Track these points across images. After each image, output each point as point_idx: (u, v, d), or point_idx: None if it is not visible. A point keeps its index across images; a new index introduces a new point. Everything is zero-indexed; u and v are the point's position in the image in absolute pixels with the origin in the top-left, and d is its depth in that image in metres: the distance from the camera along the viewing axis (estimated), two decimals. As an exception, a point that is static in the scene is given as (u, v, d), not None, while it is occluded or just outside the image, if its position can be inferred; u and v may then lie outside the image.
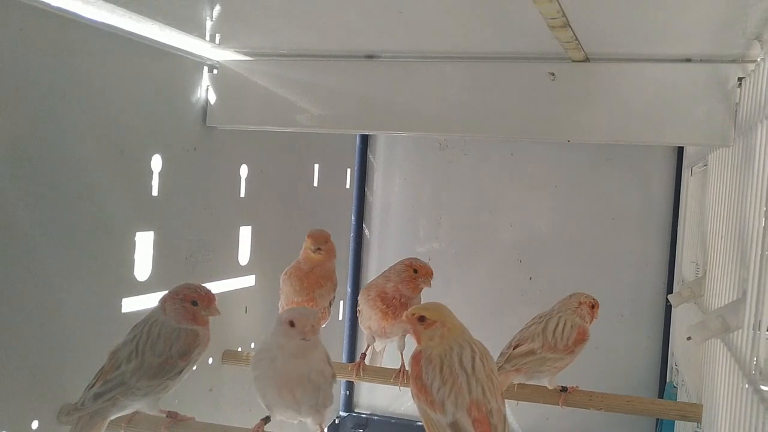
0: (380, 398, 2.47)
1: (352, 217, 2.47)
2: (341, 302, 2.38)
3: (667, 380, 2.14)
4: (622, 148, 2.27)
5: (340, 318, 2.38)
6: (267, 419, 1.16)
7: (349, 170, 2.41)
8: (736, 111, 1.29)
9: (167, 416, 1.17)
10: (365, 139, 2.48)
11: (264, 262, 1.80)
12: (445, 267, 2.39)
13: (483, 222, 2.39)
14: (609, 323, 2.24)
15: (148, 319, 1.15)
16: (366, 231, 2.51)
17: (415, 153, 2.47)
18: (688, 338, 1.05)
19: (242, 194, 1.72)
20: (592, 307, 1.43)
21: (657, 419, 2.09)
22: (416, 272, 1.51)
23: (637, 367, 2.27)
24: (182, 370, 1.13)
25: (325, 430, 1.20)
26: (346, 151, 2.41)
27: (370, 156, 2.49)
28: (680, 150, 2.21)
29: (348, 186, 2.42)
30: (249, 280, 1.77)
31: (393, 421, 2.41)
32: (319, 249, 1.55)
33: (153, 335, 1.12)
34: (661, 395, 2.15)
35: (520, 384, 1.46)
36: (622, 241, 2.28)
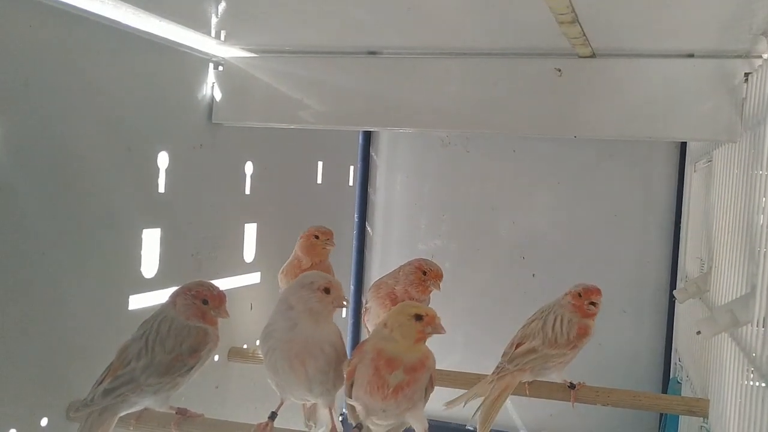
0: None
1: (355, 215, 2.47)
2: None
3: (671, 376, 2.15)
4: (625, 144, 2.28)
5: (344, 315, 2.38)
6: (273, 415, 1.16)
7: (352, 167, 2.41)
8: (742, 106, 1.29)
9: (177, 413, 1.16)
10: (368, 137, 2.48)
11: (269, 260, 1.80)
12: (448, 264, 2.39)
13: (485, 219, 2.39)
14: (612, 319, 2.24)
15: (158, 315, 1.14)
16: (369, 229, 2.51)
17: (418, 150, 2.47)
18: (698, 333, 1.05)
19: (247, 191, 1.72)
20: (579, 296, 1.38)
21: (661, 414, 2.09)
22: (425, 274, 1.50)
23: (641, 362, 2.27)
24: (192, 368, 1.12)
25: (335, 413, 1.20)
26: (348, 148, 2.41)
27: (372, 153, 2.49)
28: (683, 146, 2.21)
29: (351, 183, 2.41)
30: (254, 278, 1.77)
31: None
32: (328, 240, 1.57)
33: (162, 332, 1.11)
34: (664, 391, 2.15)
35: (531, 382, 1.45)
36: (624, 238, 2.28)
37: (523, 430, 2.35)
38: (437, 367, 1.54)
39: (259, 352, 1.17)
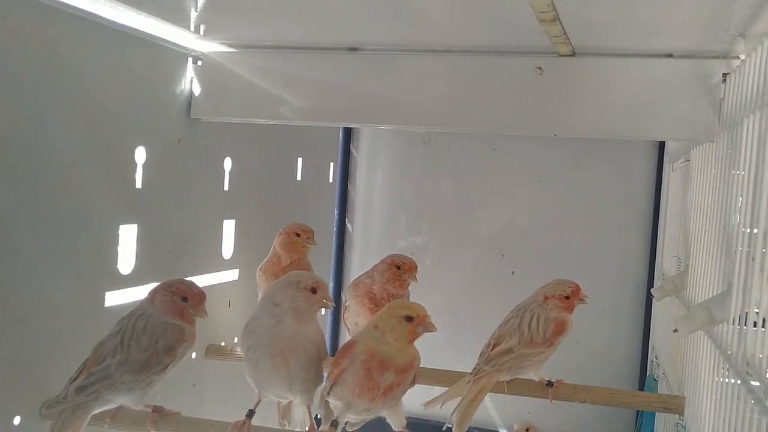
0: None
1: (335, 212, 2.46)
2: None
3: (648, 373, 2.16)
4: (604, 143, 2.29)
5: (323, 312, 2.37)
6: (251, 413, 1.15)
7: (332, 164, 2.40)
8: (720, 106, 1.30)
9: (153, 411, 1.15)
10: (348, 133, 2.47)
11: (247, 257, 1.79)
12: (428, 262, 2.39)
13: (466, 217, 2.40)
14: (590, 317, 2.25)
15: (135, 312, 1.13)
16: (348, 226, 2.50)
17: (398, 148, 2.47)
18: (675, 330, 1.06)
19: (226, 187, 1.71)
20: (567, 298, 1.38)
21: (637, 411, 2.11)
22: (399, 269, 1.50)
23: (618, 360, 2.29)
24: (167, 366, 1.11)
25: (311, 412, 1.19)
26: (329, 145, 2.40)
27: (353, 150, 2.49)
28: (661, 145, 2.23)
29: (331, 180, 2.41)
30: (232, 275, 1.76)
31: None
32: (309, 239, 1.56)
33: (138, 329, 1.10)
34: (641, 388, 2.17)
35: (509, 380, 1.45)
36: (603, 236, 2.29)
37: (502, 428, 2.36)
38: (417, 365, 1.54)
39: (238, 349, 1.16)
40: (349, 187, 2.49)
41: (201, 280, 1.60)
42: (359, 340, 1.10)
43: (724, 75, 1.30)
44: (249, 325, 1.15)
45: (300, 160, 2.11)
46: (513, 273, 2.35)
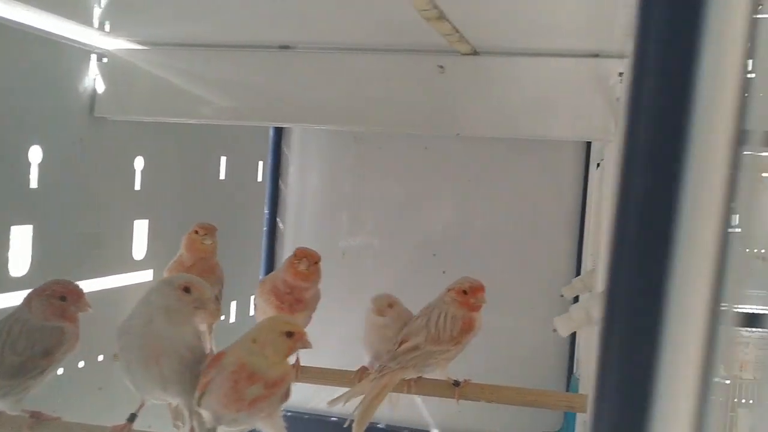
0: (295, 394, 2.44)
1: (266, 211, 2.43)
2: (252, 297, 2.34)
3: (574, 371, 2.18)
4: (535, 143, 2.29)
5: (252, 314, 2.34)
6: (133, 417, 1.13)
7: (261, 163, 2.37)
8: (617, 106, 1.31)
9: (30, 416, 1.12)
10: (279, 131, 2.44)
11: (164, 257, 1.75)
12: (361, 261, 2.38)
13: (398, 216, 2.39)
14: (520, 316, 2.26)
15: (11, 316, 1.10)
16: (280, 224, 2.47)
17: (331, 146, 2.45)
18: (554, 330, 1.06)
19: (137, 187, 1.68)
20: (464, 293, 1.36)
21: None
22: (295, 257, 1.47)
23: (548, 359, 2.30)
24: (45, 370, 1.08)
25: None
26: (257, 143, 2.36)
27: (284, 148, 2.46)
28: (589, 145, 2.24)
29: (260, 179, 2.37)
30: (146, 275, 1.73)
31: (306, 416, 2.39)
32: (206, 235, 1.52)
33: (14, 333, 1.07)
34: (568, 387, 2.18)
35: (416, 378, 1.45)
36: (533, 235, 2.30)
37: (433, 428, 2.35)
38: (344, 366, 1.53)
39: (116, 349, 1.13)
40: (281, 186, 2.46)
41: (108, 281, 1.57)
42: (229, 351, 1.08)
43: (621, 74, 1.31)
44: (123, 324, 1.12)
45: (223, 159, 2.08)
46: (444, 272, 2.34)
